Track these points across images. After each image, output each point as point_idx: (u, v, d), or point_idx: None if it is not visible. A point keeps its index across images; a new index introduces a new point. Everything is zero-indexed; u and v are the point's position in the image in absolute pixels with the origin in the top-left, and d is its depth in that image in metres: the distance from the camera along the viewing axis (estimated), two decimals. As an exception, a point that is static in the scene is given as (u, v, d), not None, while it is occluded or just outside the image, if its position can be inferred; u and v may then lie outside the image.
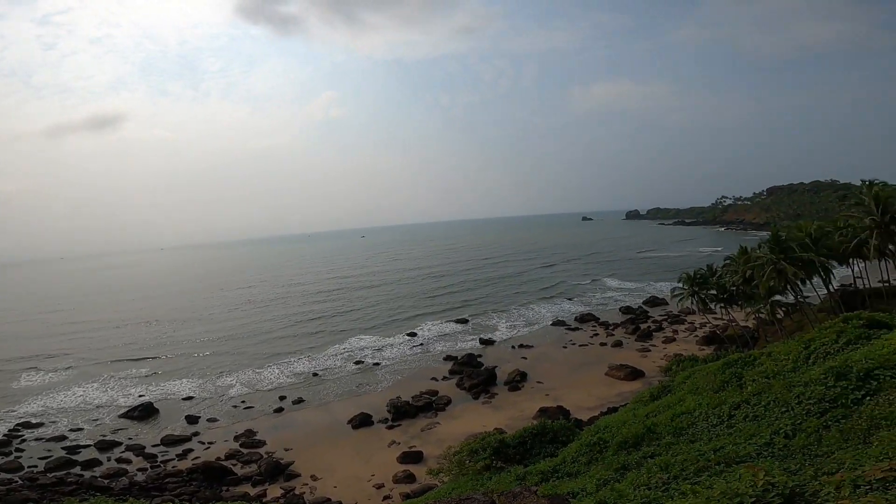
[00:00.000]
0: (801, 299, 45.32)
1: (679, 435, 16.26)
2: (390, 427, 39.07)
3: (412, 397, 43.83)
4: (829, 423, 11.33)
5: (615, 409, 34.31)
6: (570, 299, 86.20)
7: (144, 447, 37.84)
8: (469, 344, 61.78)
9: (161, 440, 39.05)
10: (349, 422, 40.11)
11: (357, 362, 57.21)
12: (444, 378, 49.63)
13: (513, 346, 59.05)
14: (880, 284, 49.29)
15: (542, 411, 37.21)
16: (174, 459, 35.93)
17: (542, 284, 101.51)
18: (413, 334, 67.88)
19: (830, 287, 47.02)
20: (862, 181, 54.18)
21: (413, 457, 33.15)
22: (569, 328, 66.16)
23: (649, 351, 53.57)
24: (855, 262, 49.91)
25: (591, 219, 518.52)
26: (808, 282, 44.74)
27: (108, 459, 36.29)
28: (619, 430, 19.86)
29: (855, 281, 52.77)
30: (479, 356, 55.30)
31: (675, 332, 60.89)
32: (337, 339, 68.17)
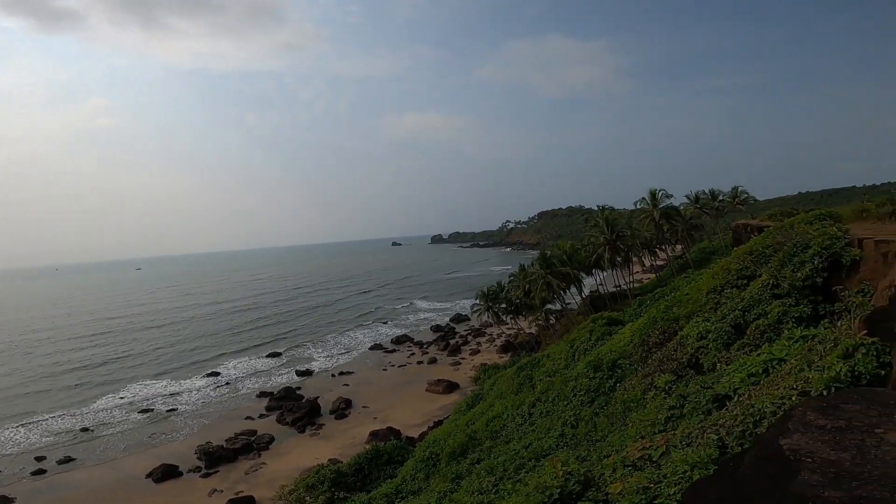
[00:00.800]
0: (565, 305, 57.00)
1: (495, 438, 19.31)
2: (206, 475, 34.89)
3: (226, 440, 39.73)
4: (598, 410, 15.26)
5: (440, 423, 37.34)
6: (385, 323, 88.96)
7: None
8: (285, 377, 58.46)
9: None
10: (148, 475, 34.65)
11: (143, 411, 48.95)
12: (262, 415, 46.14)
13: (333, 375, 58.15)
14: (615, 289, 65.16)
15: (374, 435, 37.76)
16: None
17: (358, 311, 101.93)
18: (216, 374, 60.86)
19: (583, 294, 60.29)
20: (597, 206, 70.86)
21: (244, 502, 30.33)
22: (387, 351, 68.38)
23: (460, 364, 59.27)
24: (596, 272, 64.86)
25: (400, 244, 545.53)
26: (567, 291, 56.49)
27: None
28: (447, 442, 22.29)
29: (598, 287, 68.47)
30: (299, 388, 52.89)
31: (479, 344, 68.79)
32: (109, 389, 56.95)
